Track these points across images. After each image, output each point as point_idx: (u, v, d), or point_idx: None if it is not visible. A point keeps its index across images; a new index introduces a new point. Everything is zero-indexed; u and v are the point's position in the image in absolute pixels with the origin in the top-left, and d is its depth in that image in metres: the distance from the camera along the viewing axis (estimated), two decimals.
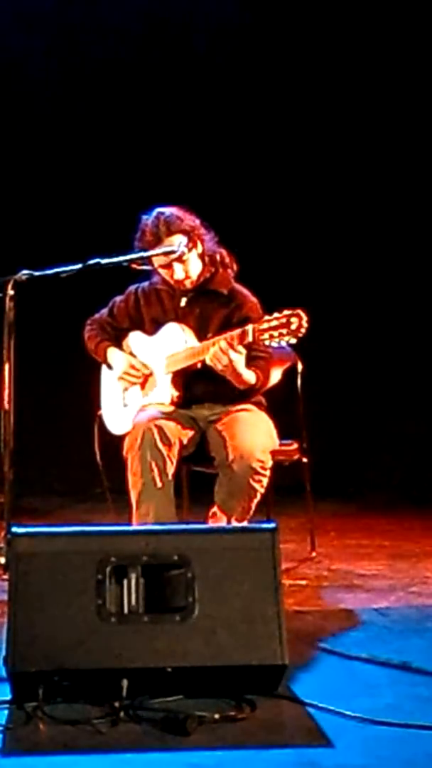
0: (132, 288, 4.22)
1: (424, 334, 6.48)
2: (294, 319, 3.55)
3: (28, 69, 6.44)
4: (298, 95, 6.45)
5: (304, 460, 4.39)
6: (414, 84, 6.43)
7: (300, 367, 4.50)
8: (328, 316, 5.73)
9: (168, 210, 3.99)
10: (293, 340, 3.60)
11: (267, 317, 3.65)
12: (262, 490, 3.81)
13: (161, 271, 4.04)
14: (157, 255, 3.97)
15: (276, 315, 3.61)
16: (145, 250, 3.98)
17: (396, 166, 6.46)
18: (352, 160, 6.49)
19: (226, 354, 3.72)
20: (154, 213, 4.00)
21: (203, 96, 6.42)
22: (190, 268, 4.00)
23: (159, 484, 3.75)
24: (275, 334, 3.59)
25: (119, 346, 4.20)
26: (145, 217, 4.02)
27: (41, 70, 6.47)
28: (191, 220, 3.99)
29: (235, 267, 4.15)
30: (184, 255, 3.94)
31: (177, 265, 3.96)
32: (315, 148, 6.47)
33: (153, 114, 6.42)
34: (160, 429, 3.78)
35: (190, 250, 3.95)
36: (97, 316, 4.29)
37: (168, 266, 3.99)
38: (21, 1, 6.41)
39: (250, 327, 3.67)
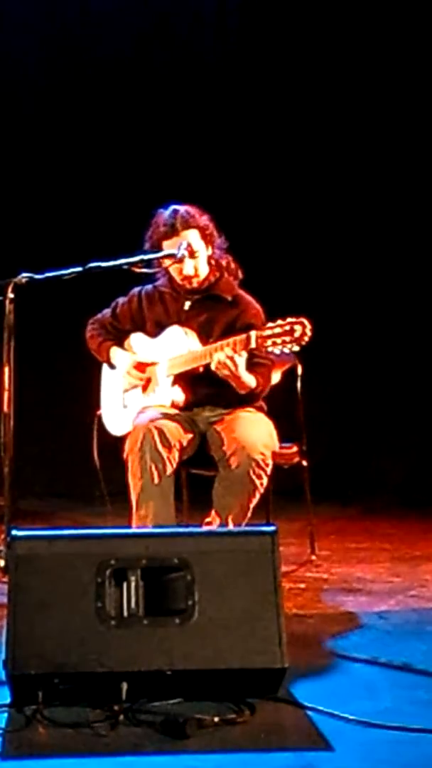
0: (135, 290, 4.22)
1: (424, 337, 6.47)
2: (297, 327, 3.56)
3: (29, 70, 6.44)
4: (302, 103, 6.44)
5: (304, 463, 4.39)
6: (420, 95, 6.43)
7: (299, 369, 4.50)
8: (327, 318, 5.73)
9: (184, 207, 4.02)
10: (296, 348, 3.59)
11: (270, 324, 3.65)
12: (261, 489, 3.79)
13: (168, 263, 4.01)
14: (156, 258, 3.97)
15: (279, 322, 3.61)
16: (154, 248, 3.99)
17: (398, 174, 6.44)
18: (355, 168, 6.47)
19: (231, 360, 3.73)
20: (171, 208, 4.02)
21: (205, 103, 6.42)
22: (200, 266, 4.00)
23: (158, 486, 3.75)
24: (278, 341, 3.59)
25: (121, 346, 4.20)
26: (161, 210, 4.04)
27: (41, 72, 6.46)
28: (206, 220, 4.02)
29: (240, 275, 4.16)
30: (184, 259, 3.94)
31: (188, 261, 3.96)
32: (318, 153, 6.45)
33: (155, 117, 6.41)
34: (160, 431, 3.78)
35: (191, 255, 3.95)
36: (99, 316, 4.29)
37: (179, 260, 3.98)
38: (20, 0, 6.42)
39: (253, 333, 3.67)
